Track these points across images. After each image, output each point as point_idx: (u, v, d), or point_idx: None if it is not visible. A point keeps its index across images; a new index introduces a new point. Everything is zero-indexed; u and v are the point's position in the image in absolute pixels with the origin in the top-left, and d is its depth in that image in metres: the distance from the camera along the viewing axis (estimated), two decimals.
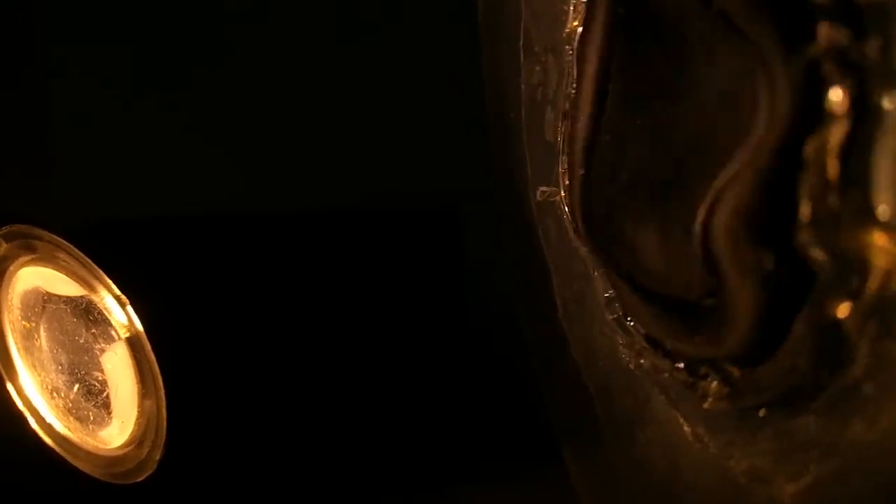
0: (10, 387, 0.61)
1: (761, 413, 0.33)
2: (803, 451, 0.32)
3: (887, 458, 0.29)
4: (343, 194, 0.67)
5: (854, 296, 0.29)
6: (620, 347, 0.39)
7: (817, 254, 0.29)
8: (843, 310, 0.29)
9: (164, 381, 0.57)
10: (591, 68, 0.36)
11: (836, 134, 0.28)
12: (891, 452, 0.29)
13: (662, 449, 0.38)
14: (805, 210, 0.29)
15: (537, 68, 0.42)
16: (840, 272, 0.29)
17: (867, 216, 0.28)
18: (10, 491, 0.65)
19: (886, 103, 0.27)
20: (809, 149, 0.29)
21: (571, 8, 0.38)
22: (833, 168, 0.29)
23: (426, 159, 0.62)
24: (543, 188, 0.42)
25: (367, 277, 0.64)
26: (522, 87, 0.43)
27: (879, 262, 0.28)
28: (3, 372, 0.61)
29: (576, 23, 0.37)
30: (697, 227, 0.32)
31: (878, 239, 0.27)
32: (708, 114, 0.32)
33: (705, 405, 0.34)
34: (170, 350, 0.57)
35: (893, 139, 0.27)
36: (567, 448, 0.47)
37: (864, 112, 0.28)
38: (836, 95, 0.28)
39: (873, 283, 0.28)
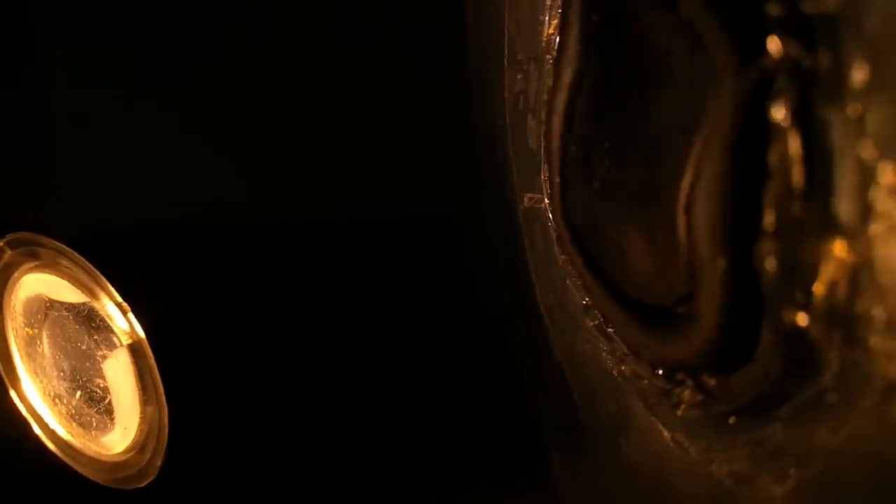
0: (13, 393, 0.62)
1: (731, 420, 0.33)
2: (778, 458, 0.32)
3: (857, 464, 0.30)
4: (343, 202, 0.67)
5: (805, 305, 0.29)
6: (603, 354, 0.39)
7: (769, 263, 0.29)
8: (801, 319, 0.30)
9: (165, 388, 0.57)
10: (566, 78, 0.37)
11: (794, 144, 0.29)
12: (857, 460, 0.30)
13: (645, 455, 0.39)
14: (769, 218, 0.29)
15: (519, 76, 0.43)
16: (786, 282, 0.30)
17: (829, 225, 0.28)
18: (13, 496, 0.66)
19: (839, 114, 0.28)
20: (773, 158, 0.29)
21: (547, 17, 0.38)
22: (798, 177, 0.29)
23: (426, 166, 0.63)
24: (529, 195, 0.42)
25: (368, 284, 0.64)
26: (506, 94, 0.44)
27: (830, 271, 0.28)
28: (6, 378, 0.62)
29: (551, 31, 0.38)
30: (681, 233, 0.32)
31: (838, 248, 0.28)
32: (672, 123, 0.33)
33: (679, 412, 0.35)
34: (171, 357, 0.57)
35: (851, 149, 0.28)
36: (554, 453, 0.47)
37: (815, 123, 0.28)
38: (780, 107, 0.29)
39: (819, 293, 0.29)
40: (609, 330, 0.39)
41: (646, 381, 0.37)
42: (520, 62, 0.42)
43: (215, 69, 0.68)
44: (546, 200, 0.40)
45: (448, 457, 0.64)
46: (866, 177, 0.27)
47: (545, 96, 0.39)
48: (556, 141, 0.38)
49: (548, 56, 0.39)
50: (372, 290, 0.64)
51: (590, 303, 0.40)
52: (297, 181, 0.67)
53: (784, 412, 0.31)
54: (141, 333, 0.57)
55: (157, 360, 0.57)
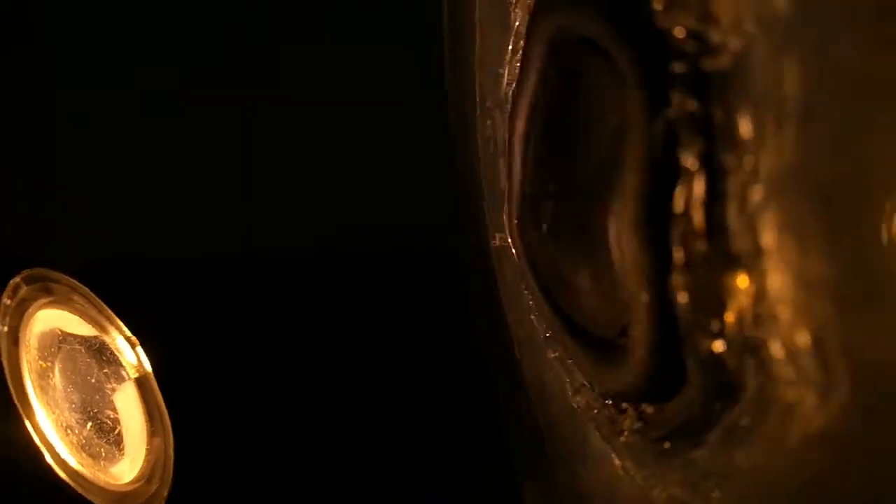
0: (27, 423, 0.64)
1: (666, 445, 0.35)
2: (705, 480, 0.34)
3: (767, 481, 0.32)
4: (348, 234, 0.68)
5: (718, 334, 0.32)
6: (566, 385, 0.41)
7: (681, 296, 0.32)
8: (717, 346, 0.32)
9: (172, 420, 0.59)
10: (521, 126, 0.39)
11: (699, 187, 0.31)
12: (763, 481, 0.32)
13: (600, 483, 0.41)
14: (677, 255, 0.32)
15: (488, 122, 0.45)
16: (699, 313, 0.32)
17: (729, 259, 0.31)
18: None
19: (732, 161, 0.30)
20: (678, 200, 0.32)
21: (506, 70, 0.41)
22: (699, 217, 0.31)
23: (426, 197, 0.64)
24: (499, 234, 0.44)
25: (372, 316, 0.66)
26: (479, 138, 0.46)
27: (734, 300, 0.30)
28: (20, 409, 0.64)
29: (507, 82, 0.40)
30: (614, 270, 0.35)
31: (739, 280, 0.30)
32: (602, 167, 0.35)
33: (621, 439, 0.37)
34: (178, 389, 0.59)
35: (741, 192, 0.30)
36: (525, 483, 0.49)
37: (717, 167, 0.31)
38: (688, 153, 0.32)
39: (729, 322, 0.31)
40: (568, 362, 0.41)
41: (596, 411, 0.39)
42: (488, 109, 0.45)
43: (220, 105, 0.69)
44: (510, 240, 0.42)
45: (433, 483, 0.65)
46: (755, 218, 0.30)
47: (507, 141, 0.41)
48: (515, 184, 0.40)
49: (507, 104, 0.41)
50: (375, 322, 0.66)
51: (550, 335, 0.42)
52: (307, 217, 0.69)
53: (712, 436, 0.34)
54: (148, 367, 0.59)
55: (164, 392, 0.58)
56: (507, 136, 0.41)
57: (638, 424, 0.36)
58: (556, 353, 0.42)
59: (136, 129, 0.69)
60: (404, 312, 0.66)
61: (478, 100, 0.46)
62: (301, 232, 0.69)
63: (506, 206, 0.42)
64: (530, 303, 0.42)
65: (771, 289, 0.30)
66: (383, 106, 0.68)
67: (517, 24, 0.41)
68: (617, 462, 0.39)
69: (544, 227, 0.39)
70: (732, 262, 0.31)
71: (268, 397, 0.64)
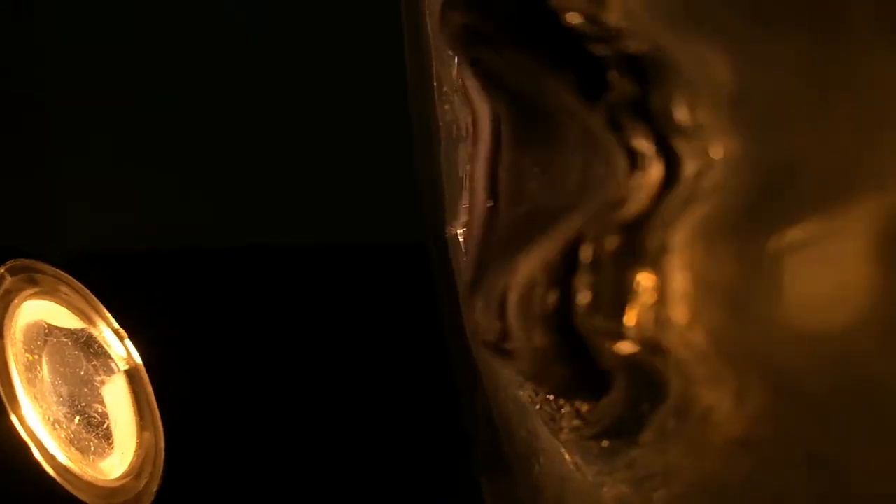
0: (13, 418, 0.63)
1: (604, 444, 0.34)
2: (648, 480, 0.33)
3: (707, 481, 0.30)
4: (338, 227, 0.68)
5: (618, 335, 0.31)
6: (515, 378, 0.40)
7: (584, 297, 0.30)
8: (624, 347, 0.30)
9: (162, 414, 0.58)
10: (486, 106, 0.37)
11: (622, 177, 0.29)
12: (707, 476, 0.30)
13: (552, 478, 0.40)
14: (586, 252, 0.30)
15: (447, 107, 0.44)
16: (599, 313, 0.31)
17: (637, 257, 0.30)
18: None
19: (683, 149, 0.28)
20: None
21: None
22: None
23: (393, 187, 0.63)
24: (454, 223, 0.42)
25: (356, 309, 0.65)
26: (441, 124, 0.44)
27: (639, 302, 0.29)
28: (6, 403, 0.63)
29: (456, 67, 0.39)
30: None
31: (644, 278, 0.28)
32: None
33: (561, 436, 0.35)
34: (167, 383, 0.58)
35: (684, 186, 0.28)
36: (483, 479, 0.47)
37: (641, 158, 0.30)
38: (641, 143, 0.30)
39: (630, 322, 0.30)
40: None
41: (538, 406, 0.37)
42: (446, 94, 0.43)
43: (210, 102, 0.69)
44: (461, 229, 0.41)
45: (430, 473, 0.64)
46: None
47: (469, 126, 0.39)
48: (482, 167, 0.39)
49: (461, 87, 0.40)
50: (358, 314, 0.65)
51: None
52: (292, 210, 0.68)
53: (645, 437, 0.33)
54: (138, 359, 0.58)
55: (153, 385, 0.57)
56: (468, 119, 0.40)
57: (576, 422, 0.35)
58: None
59: (125, 120, 0.69)
60: (382, 304, 0.65)
61: (435, 84, 0.44)
62: (291, 224, 0.68)
63: (465, 193, 0.40)
64: None
65: (671, 289, 0.28)
66: (346, 96, 0.67)
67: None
68: (567, 458, 0.38)
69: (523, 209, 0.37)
70: (640, 260, 0.29)
71: (259, 390, 0.63)
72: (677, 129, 0.29)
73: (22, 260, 0.61)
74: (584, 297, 0.31)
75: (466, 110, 0.41)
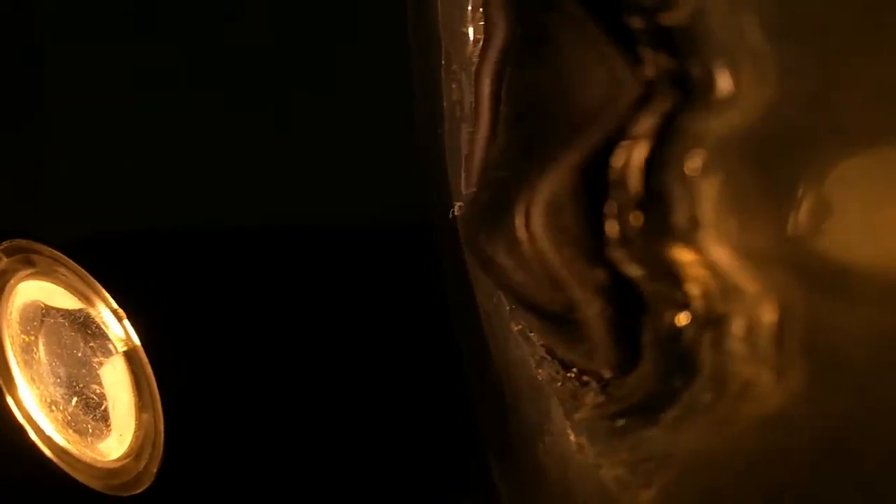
0: (9, 400, 0.63)
1: (620, 423, 0.34)
2: (647, 462, 0.33)
3: (709, 467, 0.30)
4: (337, 209, 0.67)
5: (683, 305, 0.30)
6: (528, 358, 0.39)
7: (632, 269, 0.29)
8: (680, 319, 0.30)
9: (161, 395, 0.58)
10: (487, 87, 0.37)
11: (639, 154, 0.28)
12: (712, 462, 0.30)
13: (555, 459, 0.40)
14: (611, 228, 0.29)
15: (454, 86, 0.43)
16: (663, 284, 0.30)
17: (668, 232, 0.29)
18: (10, 502, 0.67)
19: (693, 123, 0.28)
20: (615, 166, 0.29)
21: (471, 29, 0.38)
22: (635, 187, 0.29)
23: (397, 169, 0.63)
24: (459, 203, 0.42)
25: (360, 290, 0.64)
26: (445, 103, 0.44)
27: (690, 273, 0.28)
28: (2, 385, 0.63)
29: (471, 44, 0.38)
30: (523, 240, 0.33)
31: (683, 253, 0.28)
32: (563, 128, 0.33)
33: (580, 415, 0.35)
34: (166, 364, 0.58)
35: (685, 156, 0.28)
36: (492, 458, 0.47)
37: (669, 131, 0.29)
38: (647, 116, 0.29)
39: (694, 294, 0.28)
40: (530, 335, 0.39)
41: (559, 384, 0.37)
42: (454, 72, 0.43)
43: (205, 84, 0.68)
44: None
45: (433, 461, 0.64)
46: (693, 187, 0.27)
47: (473, 105, 0.39)
48: (478, 151, 0.38)
49: (472, 67, 0.39)
50: (359, 295, 0.64)
51: (513, 308, 0.40)
52: (292, 190, 0.68)
53: (668, 415, 0.32)
54: (136, 340, 0.58)
55: (152, 366, 0.57)
56: (472, 98, 0.39)
57: (600, 398, 0.34)
58: (520, 327, 0.40)
59: (124, 102, 0.68)
60: (386, 286, 0.65)
61: (443, 62, 0.44)
62: (292, 206, 0.68)
63: (463, 175, 0.40)
64: None
65: (721, 262, 0.27)
66: (348, 76, 0.67)
67: None
68: (572, 438, 0.37)
69: (485, 195, 0.37)
70: (674, 236, 0.29)
71: (259, 371, 0.63)
72: (706, 101, 0.28)
73: (18, 240, 0.60)
74: (633, 271, 0.30)
75: (472, 90, 0.41)
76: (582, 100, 0.32)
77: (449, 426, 0.60)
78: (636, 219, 0.29)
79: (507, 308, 0.40)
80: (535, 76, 0.35)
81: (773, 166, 0.26)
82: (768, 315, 0.28)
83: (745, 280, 0.28)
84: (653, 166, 0.29)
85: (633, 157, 0.29)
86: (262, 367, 0.63)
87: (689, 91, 0.28)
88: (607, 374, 0.34)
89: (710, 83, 0.28)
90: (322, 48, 0.67)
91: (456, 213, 0.42)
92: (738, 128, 0.27)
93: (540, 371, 0.38)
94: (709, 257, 0.28)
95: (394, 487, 0.64)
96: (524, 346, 0.40)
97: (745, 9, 0.27)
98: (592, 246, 0.30)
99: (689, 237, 0.28)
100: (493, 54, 0.37)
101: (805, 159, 0.26)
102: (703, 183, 0.28)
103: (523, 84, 0.36)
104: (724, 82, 0.28)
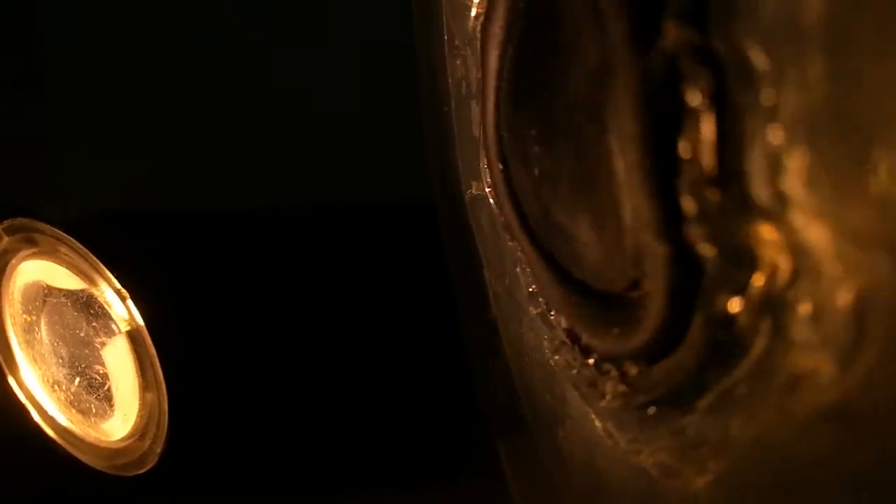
0: (11, 380, 0.62)
1: (650, 411, 0.32)
2: (696, 449, 0.31)
3: (770, 454, 0.29)
4: (340, 189, 0.67)
5: (742, 290, 0.28)
6: (544, 343, 0.38)
7: (705, 249, 0.28)
8: (734, 305, 0.28)
9: (165, 375, 0.57)
10: (494, 62, 0.36)
11: (708, 128, 0.27)
12: (763, 453, 0.29)
13: (579, 444, 0.38)
14: (688, 205, 0.28)
15: (458, 62, 0.42)
16: (727, 266, 0.28)
17: (749, 209, 0.27)
18: (13, 483, 0.66)
19: (745, 98, 0.26)
20: (684, 144, 0.28)
21: (474, 3, 0.38)
22: (710, 162, 0.28)
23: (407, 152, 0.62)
24: (474, 182, 0.41)
25: (361, 272, 0.64)
26: (450, 80, 0.43)
27: (766, 254, 0.27)
28: (4, 365, 0.62)
29: (475, 14, 0.37)
30: (622, 220, 0.32)
31: (764, 231, 0.27)
32: (589, 109, 0.32)
33: (602, 403, 0.34)
34: (170, 344, 0.57)
35: (763, 131, 0.26)
36: (500, 442, 0.46)
37: (728, 106, 0.27)
38: (692, 91, 0.28)
39: (759, 277, 0.27)
40: (551, 317, 0.38)
41: (575, 371, 0.36)
42: (457, 48, 0.41)
43: (209, 62, 0.68)
44: (486, 188, 0.39)
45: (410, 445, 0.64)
46: (777, 162, 0.26)
47: (479, 82, 0.38)
48: (490, 129, 0.37)
49: (476, 42, 0.38)
50: (364, 278, 0.64)
51: (536, 289, 0.38)
52: (294, 172, 0.67)
53: (702, 403, 0.30)
54: (140, 320, 0.57)
55: (156, 346, 0.56)
56: (478, 75, 0.38)
57: (623, 388, 0.33)
58: (540, 310, 0.39)
59: (127, 82, 0.68)
60: (391, 266, 0.64)
61: (446, 38, 0.42)
62: (296, 185, 0.67)
63: (483, 152, 0.38)
64: (519, 254, 0.39)
65: (808, 241, 0.26)
66: (350, 54, 0.67)
67: None
68: (598, 424, 0.36)
69: (536, 172, 0.35)
70: (755, 212, 0.27)
71: (263, 350, 0.62)
72: (747, 76, 0.26)
73: (20, 219, 0.59)
74: (705, 250, 0.28)
75: (477, 65, 0.40)
76: (599, 77, 0.32)
77: (453, 410, 0.60)
78: (713, 195, 0.28)
79: (527, 290, 0.39)
80: (544, 50, 0.35)
81: (852, 138, 0.24)
82: (844, 300, 0.26)
83: (828, 260, 0.26)
84: (726, 141, 0.27)
85: (701, 131, 0.27)
86: (265, 347, 0.62)
87: (721, 68, 0.27)
88: (633, 362, 0.33)
89: (746, 60, 0.26)
90: (324, 32, 0.66)
91: (474, 192, 0.41)
92: (797, 102, 0.26)
93: (556, 357, 0.37)
94: (794, 236, 0.26)
95: (394, 468, 0.63)
96: (541, 329, 0.38)
97: None
98: (665, 223, 0.29)
99: (774, 214, 0.27)
100: (497, 28, 0.36)
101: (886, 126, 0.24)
102: (785, 156, 0.26)
103: (532, 57, 0.35)
104: (758, 58, 0.26)
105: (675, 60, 0.28)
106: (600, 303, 0.35)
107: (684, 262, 0.29)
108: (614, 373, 0.34)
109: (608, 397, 0.34)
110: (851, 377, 0.25)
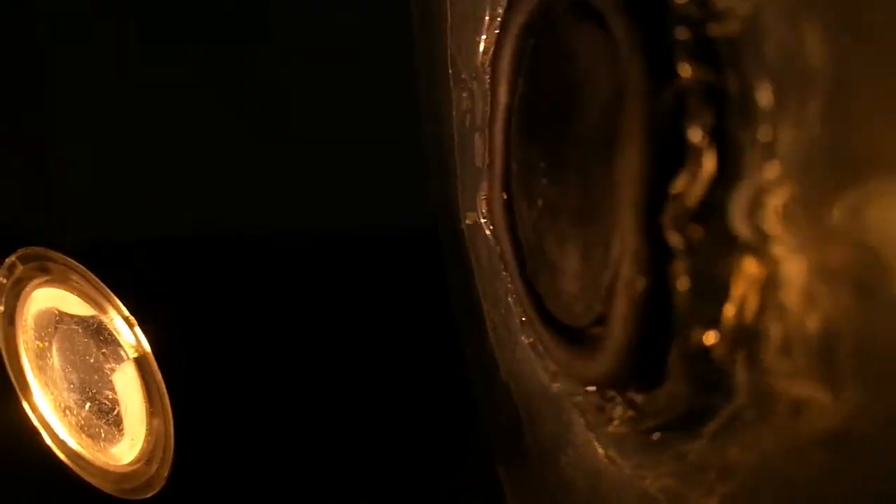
0: (25, 404, 0.63)
1: (655, 437, 0.33)
2: (702, 473, 0.31)
3: (774, 476, 0.29)
4: (349, 215, 0.68)
5: (714, 323, 0.29)
6: (540, 371, 0.39)
7: (681, 283, 0.29)
8: (709, 337, 0.29)
9: (172, 401, 0.58)
10: (502, 97, 0.36)
11: (706, 165, 0.28)
12: (767, 478, 0.29)
13: (582, 470, 0.38)
14: (675, 239, 0.29)
15: (464, 95, 0.42)
16: (700, 299, 0.29)
17: (729, 243, 0.28)
18: None
19: (744, 137, 0.27)
20: (681, 180, 0.28)
21: (483, 38, 0.38)
22: (698, 198, 0.28)
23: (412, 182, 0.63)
24: (471, 213, 0.42)
25: (362, 298, 0.64)
26: (454, 113, 0.43)
27: (741, 288, 0.27)
28: (18, 390, 0.63)
29: (483, 50, 0.38)
30: (615, 253, 0.32)
31: (747, 266, 0.27)
32: (596, 143, 0.32)
33: (610, 428, 0.34)
34: (176, 370, 0.58)
35: (756, 167, 0.27)
36: (501, 468, 0.47)
37: (726, 143, 0.28)
38: (694, 128, 0.28)
39: (729, 310, 0.28)
40: (540, 348, 0.38)
41: (580, 398, 0.36)
42: (464, 81, 0.41)
43: (215, 91, 0.69)
44: (481, 218, 0.40)
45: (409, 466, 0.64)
46: (760, 199, 0.27)
47: (487, 115, 0.39)
48: (498, 160, 0.37)
49: (485, 75, 0.38)
50: (365, 304, 0.64)
51: (524, 320, 0.39)
52: (301, 201, 0.68)
53: (708, 429, 0.31)
54: (147, 347, 0.57)
55: (162, 373, 0.57)
56: (486, 108, 0.38)
57: (630, 413, 0.33)
58: (530, 339, 0.39)
59: (135, 110, 0.69)
60: (393, 293, 0.65)
61: (451, 72, 0.43)
62: (301, 213, 0.68)
63: (486, 182, 0.39)
64: (509, 285, 0.39)
65: (782, 275, 0.26)
66: (355, 84, 0.67)
67: None
68: (601, 450, 0.36)
69: (539, 203, 0.36)
70: (739, 247, 0.27)
71: (268, 377, 0.63)
72: (748, 115, 0.27)
73: (33, 248, 0.60)
74: (681, 284, 0.29)
75: (485, 99, 0.41)
76: (606, 114, 0.32)
77: (453, 433, 0.60)
78: (695, 231, 0.28)
79: (518, 320, 0.39)
80: (553, 87, 0.35)
81: (839, 177, 0.25)
82: (813, 331, 0.26)
83: (797, 293, 0.26)
84: (719, 177, 0.28)
85: (701, 166, 0.28)
86: (270, 374, 0.63)
87: (724, 105, 0.28)
88: (633, 388, 0.33)
89: (749, 98, 0.27)
90: (330, 59, 0.67)
91: (469, 222, 0.42)
92: (792, 140, 0.26)
93: (555, 385, 0.37)
94: (770, 270, 0.27)
95: (395, 489, 0.64)
96: (535, 358, 0.39)
97: (804, 19, 0.25)
98: (651, 256, 0.29)
99: (753, 248, 0.27)
100: (506, 63, 0.37)
101: (862, 171, 0.24)
102: (770, 193, 0.26)
103: (540, 93, 0.36)
104: (764, 97, 0.27)
105: (684, 98, 0.28)
106: (566, 336, 0.36)
107: (656, 298, 0.30)
108: (619, 399, 0.34)
109: (616, 422, 0.34)
110: (844, 404, 0.26)
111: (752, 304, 0.28)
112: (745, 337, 0.28)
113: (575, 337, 0.34)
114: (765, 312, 0.27)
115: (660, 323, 0.30)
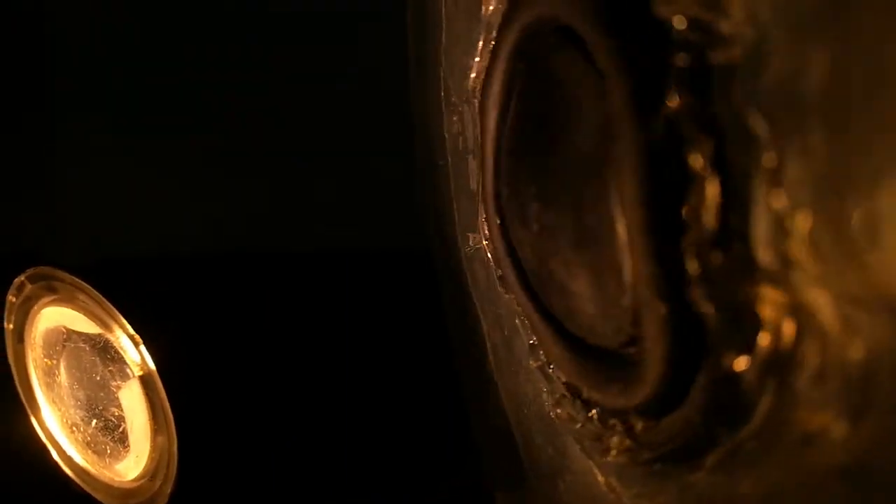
0: (33, 421, 0.64)
1: (656, 467, 0.32)
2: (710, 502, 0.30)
3: None
4: (347, 235, 0.68)
5: (748, 349, 0.28)
6: (543, 395, 0.38)
7: (707, 308, 0.28)
8: (739, 364, 0.28)
9: (176, 418, 0.58)
10: (493, 121, 0.35)
11: (710, 191, 0.27)
12: None
13: (581, 498, 0.37)
14: (692, 266, 0.28)
15: (455, 118, 0.41)
16: (731, 326, 0.28)
17: (752, 271, 0.27)
18: None
19: (747, 163, 0.26)
20: (688, 207, 0.28)
21: (475, 61, 0.37)
22: (712, 224, 0.28)
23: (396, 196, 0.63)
24: (472, 235, 0.42)
25: (367, 316, 0.65)
26: (446, 135, 0.42)
27: (770, 314, 0.27)
28: (27, 406, 0.64)
29: (473, 76, 0.38)
30: (622, 275, 0.31)
31: (768, 292, 0.27)
32: (589, 169, 0.31)
33: (608, 458, 0.33)
34: (180, 388, 0.58)
35: (766, 194, 0.26)
36: (498, 493, 0.46)
37: (730, 169, 0.27)
38: (694, 155, 0.28)
39: (765, 337, 0.27)
40: (550, 371, 0.37)
41: (579, 425, 0.35)
42: (454, 104, 0.41)
43: (220, 109, 0.69)
44: (483, 241, 0.40)
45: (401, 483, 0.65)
46: (780, 225, 0.26)
47: (478, 138, 0.37)
48: (489, 185, 0.36)
49: (475, 99, 0.37)
50: (366, 321, 0.65)
51: (535, 342, 0.38)
52: (302, 219, 0.68)
53: (709, 460, 0.30)
54: (152, 365, 0.58)
55: (167, 391, 0.58)
56: (477, 132, 0.37)
57: (628, 443, 0.32)
58: (539, 363, 0.38)
59: (141, 129, 0.69)
60: (391, 312, 0.66)
61: (443, 95, 0.42)
62: (302, 232, 0.68)
63: (482, 207, 0.40)
64: (516, 307, 0.38)
65: (814, 302, 0.25)
66: (351, 104, 0.67)
67: (489, 13, 0.36)
68: (600, 478, 0.35)
69: (535, 227, 0.35)
70: (758, 274, 0.26)
71: (271, 395, 0.63)
72: (749, 142, 0.26)
73: (41, 268, 0.60)
74: (707, 309, 0.28)
75: (474, 122, 0.41)
76: (598, 139, 0.33)
77: (453, 433, 0.60)
78: (715, 257, 0.28)
79: (528, 343, 0.38)
80: (543, 112, 0.34)
81: (853, 203, 0.24)
82: (850, 359, 0.25)
83: (833, 322, 0.25)
84: (729, 204, 0.27)
85: (705, 193, 0.27)
86: (274, 391, 0.63)
87: (722, 132, 0.27)
88: (638, 417, 0.32)
89: (744, 126, 0.26)
90: (328, 79, 0.67)
91: (471, 245, 0.42)
92: (799, 166, 0.25)
93: (558, 410, 0.36)
94: (797, 297, 0.26)
95: (395, 489, 0.64)
96: (540, 381, 0.37)
97: (810, 49, 0.25)
98: (666, 282, 0.29)
99: (777, 276, 0.26)
100: (496, 88, 0.36)
101: (873, 194, 0.24)
102: (788, 219, 0.26)
103: (530, 118, 0.35)
104: (759, 126, 0.26)
105: (677, 125, 0.28)
106: (598, 358, 0.34)
107: (684, 321, 0.29)
108: (620, 427, 0.33)
109: (613, 452, 0.33)
110: (861, 436, 0.25)
111: (789, 331, 0.27)
112: (779, 364, 0.27)
113: (603, 358, 0.33)
114: (802, 340, 0.26)
115: (692, 347, 0.29)
